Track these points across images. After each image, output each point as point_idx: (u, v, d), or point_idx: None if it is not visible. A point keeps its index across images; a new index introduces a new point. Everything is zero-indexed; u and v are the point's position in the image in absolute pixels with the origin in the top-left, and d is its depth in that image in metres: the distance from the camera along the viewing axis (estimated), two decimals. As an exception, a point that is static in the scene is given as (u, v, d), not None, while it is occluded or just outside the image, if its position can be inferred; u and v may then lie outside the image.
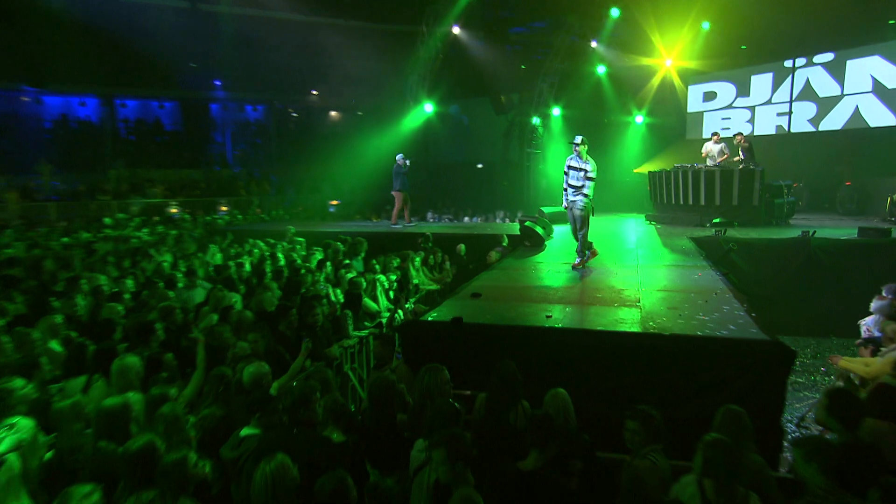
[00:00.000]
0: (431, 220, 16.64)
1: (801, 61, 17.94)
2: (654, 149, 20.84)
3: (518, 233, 11.01)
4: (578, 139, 7.54)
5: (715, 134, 14.46)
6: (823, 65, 17.31)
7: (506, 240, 10.93)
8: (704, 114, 20.66)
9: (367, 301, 7.22)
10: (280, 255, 9.58)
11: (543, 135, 22.26)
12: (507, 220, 17.62)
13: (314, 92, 25.73)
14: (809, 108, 17.79)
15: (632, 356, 4.90)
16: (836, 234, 11.00)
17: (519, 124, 22.20)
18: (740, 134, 14.08)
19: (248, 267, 8.98)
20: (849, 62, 16.63)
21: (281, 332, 5.25)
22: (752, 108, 19.29)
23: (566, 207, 7.93)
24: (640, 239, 11.58)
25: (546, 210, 14.83)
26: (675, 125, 21.06)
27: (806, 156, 17.07)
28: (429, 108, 19.55)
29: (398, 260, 9.75)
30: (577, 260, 7.98)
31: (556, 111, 21.83)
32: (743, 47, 19.55)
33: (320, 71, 23.36)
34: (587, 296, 6.25)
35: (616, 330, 5.02)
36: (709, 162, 14.01)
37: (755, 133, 18.37)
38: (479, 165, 24.69)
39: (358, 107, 25.37)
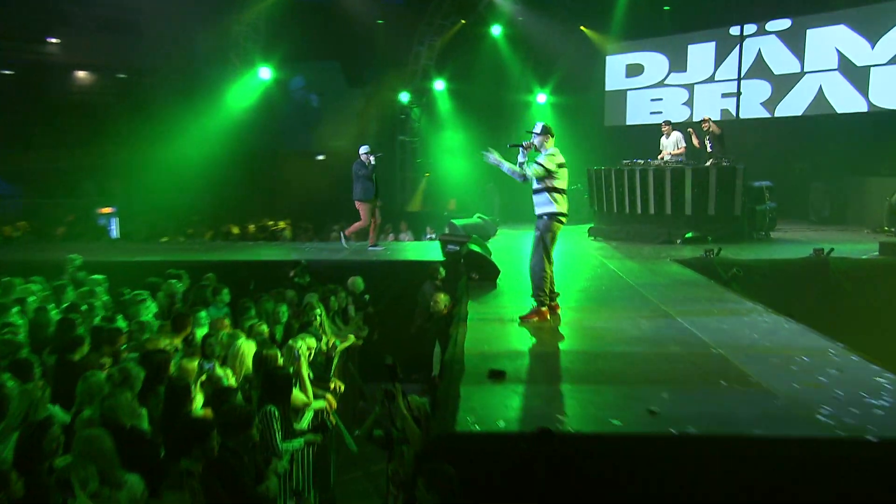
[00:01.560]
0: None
1: (750, 28, 19.05)
2: (566, 140, 21.12)
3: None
4: (538, 128, 7.63)
5: (666, 124, 14.91)
6: (778, 34, 18.47)
7: (443, 271, 10.50)
8: (628, 93, 21.45)
9: (296, 391, 6.25)
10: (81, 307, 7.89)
11: (422, 117, 21.68)
12: (393, 238, 16.90)
13: (52, 40, 22.98)
14: (762, 88, 18.89)
15: (828, 476, 4.31)
16: (849, 249, 11.71)
17: (382, 101, 21.60)
18: (708, 119, 14.66)
19: (22, 336, 7.26)
20: (809, 32, 17.87)
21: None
22: (689, 87, 20.30)
23: None
24: (603, 264, 11.44)
25: (458, 223, 14.86)
26: (589, 107, 21.63)
27: (760, 148, 17.91)
28: (265, 73, 18.17)
29: (283, 309, 8.57)
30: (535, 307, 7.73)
31: (439, 85, 21.28)
32: (666, 8, 20.62)
33: (62, 8, 21.11)
34: (660, 370, 5.91)
35: (794, 436, 4.51)
36: (666, 159, 14.47)
37: (694, 118, 19.23)
38: (321, 157, 23.76)
39: (142, 66, 22.76)
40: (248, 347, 6.48)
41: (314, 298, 8.76)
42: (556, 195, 7.45)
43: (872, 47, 16.86)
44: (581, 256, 12.40)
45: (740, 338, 6.93)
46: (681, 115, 19.86)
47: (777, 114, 18.56)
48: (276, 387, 5.63)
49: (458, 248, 10.71)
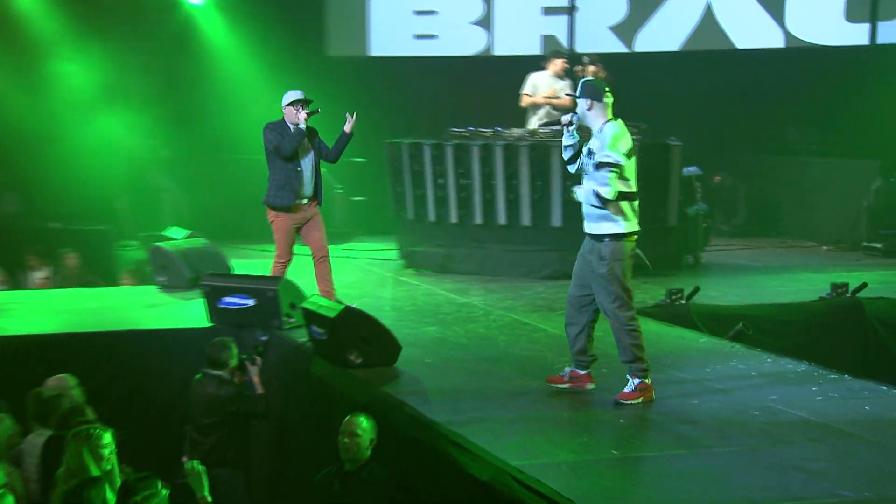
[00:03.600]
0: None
1: None
2: (259, 77, 19.81)
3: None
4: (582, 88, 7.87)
5: (557, 57, 14.47)
6: None
7: (235, 349, 9.63)
8: (371, 3, 20.55)
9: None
10: None
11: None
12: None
13: None
14: (612, 6, 19.01)
15: None
16: (877, 282, 12.06)
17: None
18: (589, 61, 14.29)
19: None
20: None
21: None
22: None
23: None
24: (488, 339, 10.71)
25: (176, 232, 14.67)
26: (296, 21, 20.24)
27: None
28: None
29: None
30: (630, 387, 7.81)
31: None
32: None
33: None
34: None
35: None
36: (533, 122, 14.21)
37: (495, 52, 19.59)
38: None
39: None
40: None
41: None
42: (623, 204, 7.58)
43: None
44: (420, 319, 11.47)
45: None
46: (472, 46, 19.76)
47: (637, 47, 18.81)
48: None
49: (321, 331, 9.65)
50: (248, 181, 17.78)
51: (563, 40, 18.76)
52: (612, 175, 7.25)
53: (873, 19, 17.38)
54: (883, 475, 5.97)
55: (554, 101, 14.17)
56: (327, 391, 9.00)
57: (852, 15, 17.65)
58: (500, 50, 19.79)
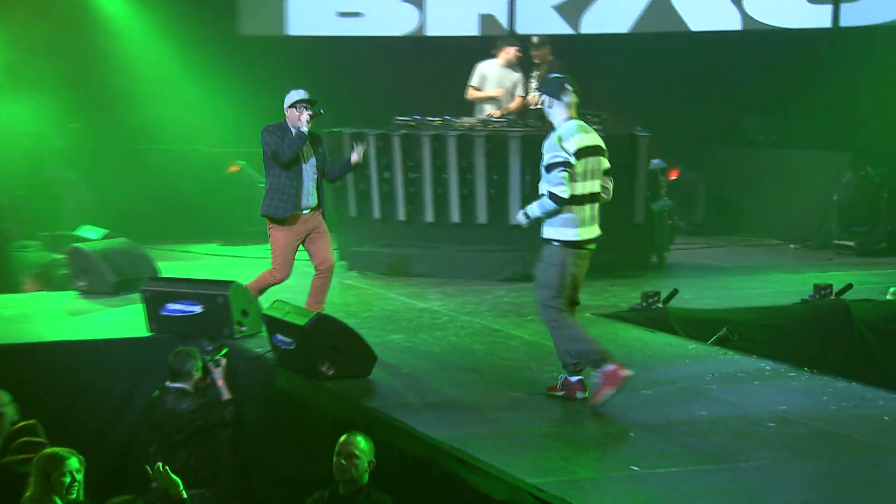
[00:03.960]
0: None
1: None
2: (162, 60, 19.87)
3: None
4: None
5: (509, 45, 14.76)
6: None
7: (199, 362, 9.66)
8: None
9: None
10: None
11: None
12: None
13: None
14: None
15: None
16: (856, 283, 12.24)
17: None
18: (541, 43, 14.66)
19: None
20: None
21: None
22: None
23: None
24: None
25: (91, 232, 14.84)
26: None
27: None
28: None
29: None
30: (595, 383, 8.15)
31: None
32: None
33: None
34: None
35: None
36: (485, 111, 14.50)
37: (427, 32, 19.78)
38: None
39: None
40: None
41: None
42: (575, 209, 7.96)
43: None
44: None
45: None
46: (403, 25, 19.98)
47: (583, 29, 18.98)
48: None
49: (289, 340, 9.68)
50: (164, 174, 18.04)
51: (503, 21, 19.21)
52: (565, 174, 7.46)
53: (836, 0, 17.81)
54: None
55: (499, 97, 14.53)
56: (296, 406, 9.04)
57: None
58: (433, 30, 19.83)
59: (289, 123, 10.58)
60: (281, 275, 10.82)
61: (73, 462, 6.83)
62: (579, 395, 7.90)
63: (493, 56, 14.73)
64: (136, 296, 11.78)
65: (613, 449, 7.28)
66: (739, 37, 18.47)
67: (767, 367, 9.21)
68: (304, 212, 10.63)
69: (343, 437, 7.29)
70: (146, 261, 13.64)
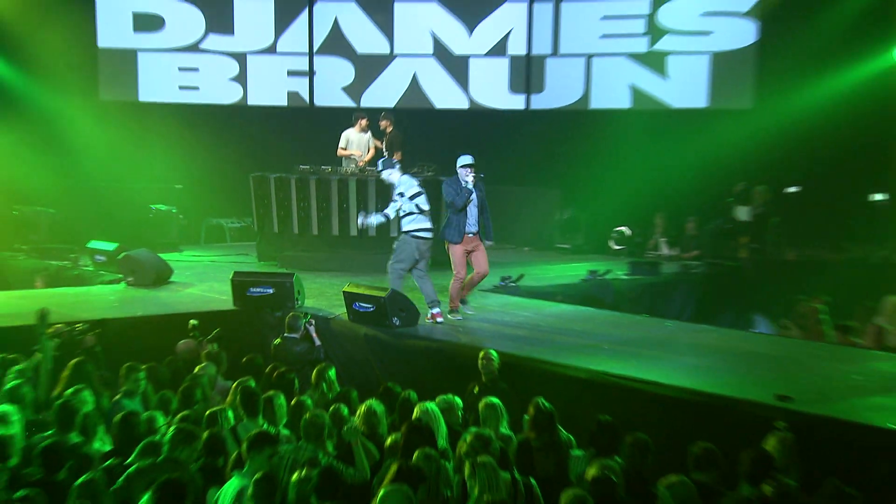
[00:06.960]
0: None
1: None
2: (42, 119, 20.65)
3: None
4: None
5: (361, 117, 17.96)
6: (359, 2, 22.16)
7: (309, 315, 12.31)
8: (140, 55, 22.36)
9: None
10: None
11: None
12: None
13: None
14: (343, 69, 22.41)
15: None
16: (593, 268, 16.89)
17: None
18: (387, 116, 17.98)
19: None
20: (397, 6, 21.99)
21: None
22: (240, 57, 22.62)
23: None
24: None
25: (105, 244, 16.86)
26: (66, 67, 21.13)
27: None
28: None
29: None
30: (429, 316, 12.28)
31: None
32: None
33: None
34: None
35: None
36: (350, 168, 17.61)
37: (249, 101, 22.67)
38: None
39: None
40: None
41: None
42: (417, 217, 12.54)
43: (470, 34, 22.26)
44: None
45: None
46: (230, 95, 22.52)
47: (364, 103, 21.76)
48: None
49: (368, 305, 12.09)
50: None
51: (305, 96, 22.52)
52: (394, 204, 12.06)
53: (528, 91, 22.16)
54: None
55: (360, 159, 17.50)
56: (382, 345, 11.49)
57: (514, 87, 22.33)
58: (253, 101, 22.49)
59: (460, 178, 12.25)
60: (462, 275, 12.62)
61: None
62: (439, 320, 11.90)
63: (352, 125, 17.59)
64: (169, 285, 15.34)
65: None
66: (467, 113, 22.30)
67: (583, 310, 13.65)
68: (469, 236, 12.34)
69: (482, 352, 9.44)
70: (164, 263, 15.93)
